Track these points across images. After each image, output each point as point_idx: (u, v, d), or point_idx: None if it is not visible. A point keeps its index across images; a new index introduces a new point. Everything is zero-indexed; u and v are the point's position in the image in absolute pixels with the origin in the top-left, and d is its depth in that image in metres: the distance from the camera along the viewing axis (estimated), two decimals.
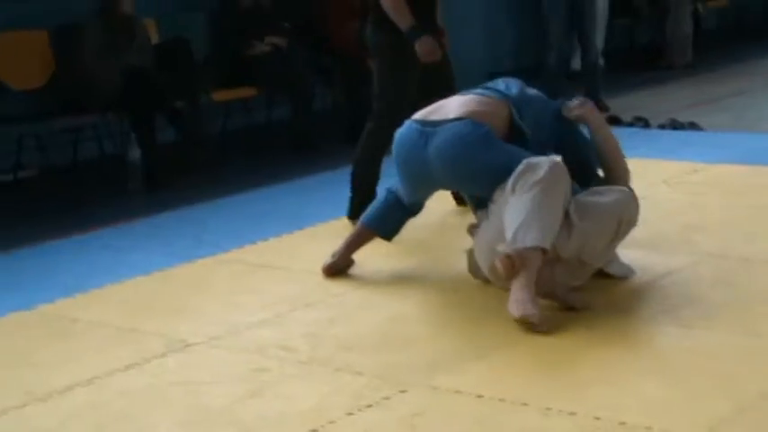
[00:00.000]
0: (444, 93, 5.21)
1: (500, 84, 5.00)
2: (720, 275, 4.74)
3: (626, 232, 4.66)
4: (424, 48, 5.61)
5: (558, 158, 4.48)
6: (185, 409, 3.75)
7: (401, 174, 4.90)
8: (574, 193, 4.57)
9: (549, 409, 3.57)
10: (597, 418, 3.48)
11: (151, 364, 4.16)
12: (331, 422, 3.58)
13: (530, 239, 4.32)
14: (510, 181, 4.47)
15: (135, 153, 7.19)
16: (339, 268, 5.06)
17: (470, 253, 4.82)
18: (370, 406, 3.69)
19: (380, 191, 5.21)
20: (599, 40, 10.73)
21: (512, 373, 3.91)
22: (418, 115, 4.88)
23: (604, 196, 4.62)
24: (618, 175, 4.89)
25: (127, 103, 7.25)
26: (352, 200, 5.84)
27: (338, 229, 5.65)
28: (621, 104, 8.98)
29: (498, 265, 4.38)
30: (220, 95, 7.93)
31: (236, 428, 3.57)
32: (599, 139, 4.93)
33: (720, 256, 4.99)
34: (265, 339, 4.33)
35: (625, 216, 4.61)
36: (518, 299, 4.27)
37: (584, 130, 4.98)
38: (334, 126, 8.51)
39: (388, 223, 5.07)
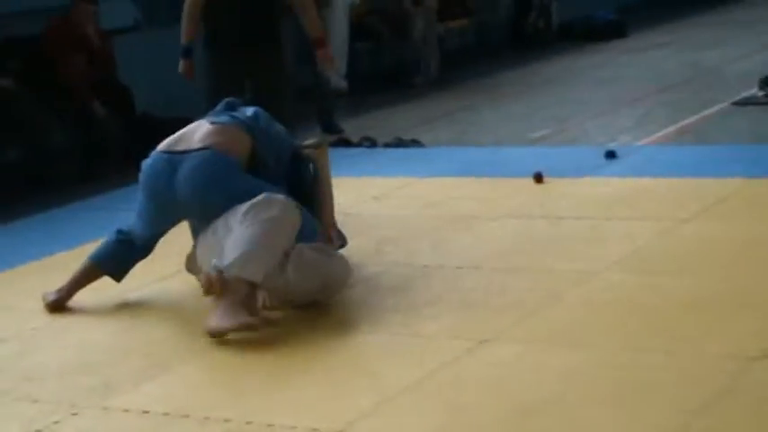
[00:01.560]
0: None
1: (248, 112, 5.21)
2: (399, 282, 5.04)
3: (327, 296, 4.82)
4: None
5: (293, 202, 4.74)
6: None
7: (146, 203, 5.01)
8: (304, 238, 4.80)
9: (207, 418, 3.80)
10: (249, 423, 3.74)
11: None
12: None
13: (246, 272, 4.53)
14: (244, 206, 4.67)
15: None
16: (63, 304, 5.14)
17: (191, 253, 5.05)
18: (39, 431, 3.85)
19: (110, 232, 5.23)
20: (340, 65, 11.14)
21: (180, 388, 4.13)
22: (163, 146, 5.04)
23: (325, 258, 4.81)
24: (324, 211, 5.25)
25: None
26: None
27: (46, 266, 5.81)
28: (361, 125, 9.33)
29: (207, 278, 4.56)
30: None
31: None
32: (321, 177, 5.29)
33: (405, 264, 5.30)
34: None
35: (330, 283, 4.79)
36: (217, 315, 4.48)
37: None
38: (71, 164, 8.61)
39: (119, 263, 5.13)
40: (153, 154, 5.05)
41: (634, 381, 3.79)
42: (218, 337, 4.45)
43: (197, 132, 5.03)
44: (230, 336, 4.46)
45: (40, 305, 5.13)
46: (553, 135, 8.14)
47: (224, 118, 5.14)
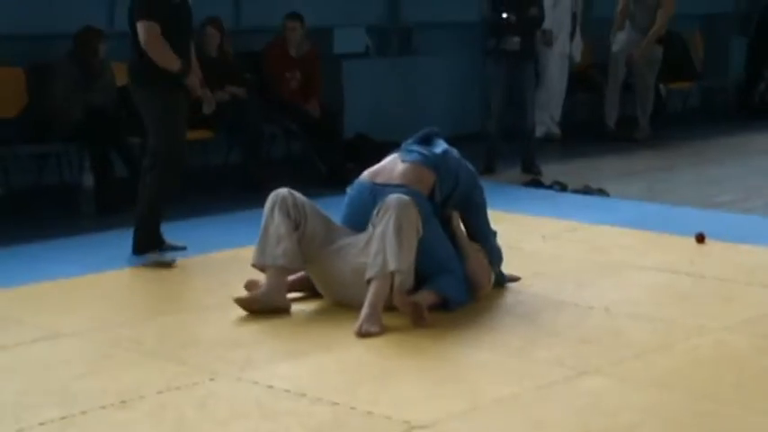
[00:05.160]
0: None
1: (438, 149, 5.84)
2: (531, 313, 5.50)
3: None
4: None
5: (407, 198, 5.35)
6: (28, 384, 4.54)
7: (345, 220, 5.73)
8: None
9: (319, 399, 4.35)
10: (353, 408, 4.26)
11: (19, 348, 4.98)
12: (141, 397, 4.38)
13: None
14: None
15: (89, 181, 8.07)
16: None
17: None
18: (178, 388, 4.48)
19: None
20: (555, 111, 11.55)
21: (307, 372, 4.69)
22: (366, 176, 5.76)
23: None
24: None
25: (86, 136, 8.13)
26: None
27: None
28: (561, 170, 9.68)
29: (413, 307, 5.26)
30: None
31: (62, 398, 4.36)
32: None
33: (544, 298, 5.73)
34: (125, 334, 5.14)
35: None
36: (366, 320, 5.14)
37: None
38: (288, 171, 9.39)
39: None
40: (357, 182, 5.77)
41: (703, 426, 4.16)
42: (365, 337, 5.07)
43: (394, 169, 5.71)
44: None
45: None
46: (736, 202, 8.34)
47: (414, 155, 5.77)
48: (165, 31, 6.48)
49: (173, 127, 6.61)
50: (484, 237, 5.93)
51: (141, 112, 6.71)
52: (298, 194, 5.65)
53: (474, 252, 5.81)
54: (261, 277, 5.56)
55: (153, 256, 6.50)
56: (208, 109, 7.05)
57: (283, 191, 5.64)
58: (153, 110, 6.62)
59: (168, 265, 6.37)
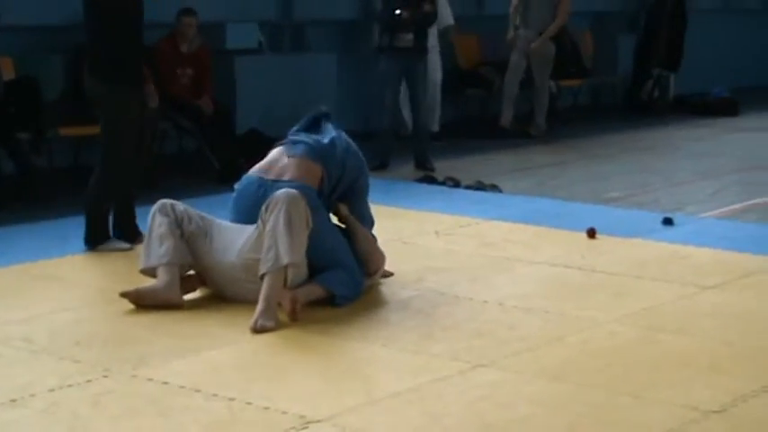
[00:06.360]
0: None
1: (325, 139, 5.80)
2: (427, 307, 5.53)
3: None
4: None
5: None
6: None
7: (235, 216, 5.69)
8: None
9: (215, 395, 4.32)
10: (249, 403, 4.25)
11: None
12: (32, 395, 4.31)
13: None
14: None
15: None
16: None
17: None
18: (71, 386, 4.42)
19: None
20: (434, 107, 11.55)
21: (201, 368, 4.65)
22: (255, 171, 5.74)
23: None
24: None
25: None
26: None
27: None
28: (454, 166, 9.76)
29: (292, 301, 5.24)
30: (68, 131, 8.65)
31: None
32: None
33: (439, 293, 5.77)
34: (14, 332, 5.05)
35: None
36: (262, 316, 5.13)
37: None
38: (180, 167, 9.31)
39: None
40: (246, 176, 5.75)
41: (594, 416, 4.20)
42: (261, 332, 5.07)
43: (282, 164, 5.69)
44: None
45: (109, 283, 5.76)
46: (625, 198, 8.51)
47: (300, 148, 5.73)
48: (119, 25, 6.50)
49: (122, 126, 6.59)
50: (365, 222, 5.96)
51: (96, 106, 6.71)
52: (178, 202, 5.72)
53: (365, 235, 5.86)
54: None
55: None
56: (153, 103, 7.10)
57: (163, 200, 5.71)
58: (107, 107, 6.60)
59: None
